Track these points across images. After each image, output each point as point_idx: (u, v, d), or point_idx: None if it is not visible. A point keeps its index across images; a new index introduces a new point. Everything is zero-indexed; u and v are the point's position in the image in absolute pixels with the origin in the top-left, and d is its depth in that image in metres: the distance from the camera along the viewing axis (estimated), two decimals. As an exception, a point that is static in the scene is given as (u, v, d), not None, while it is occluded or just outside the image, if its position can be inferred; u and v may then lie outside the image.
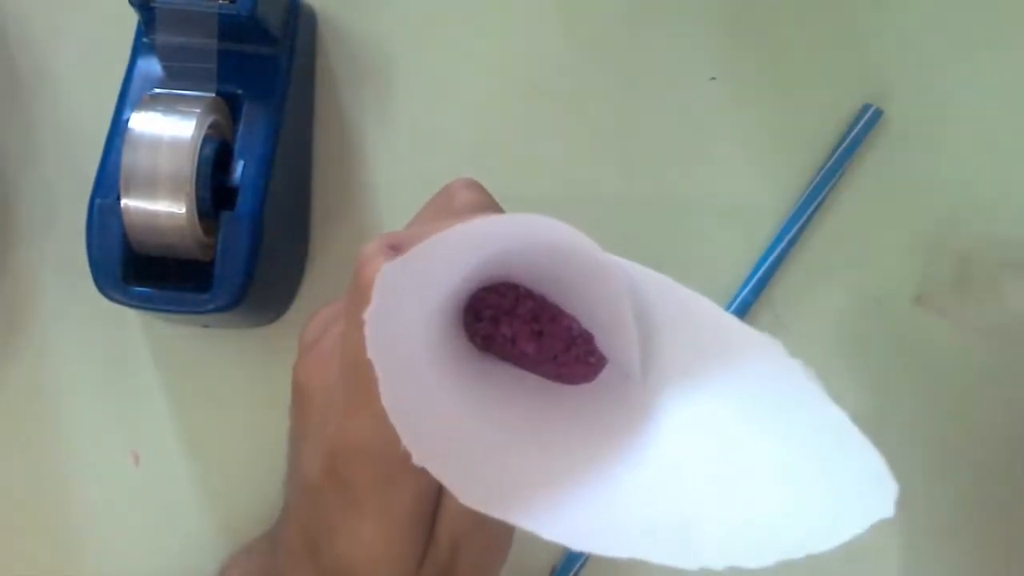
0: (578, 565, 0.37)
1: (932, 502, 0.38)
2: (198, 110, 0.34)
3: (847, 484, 0.18)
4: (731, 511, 0.19)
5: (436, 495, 0.27)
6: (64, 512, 0.39)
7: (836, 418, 0.18)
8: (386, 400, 0.18)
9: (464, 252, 0.20)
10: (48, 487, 0.39)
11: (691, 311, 0.20)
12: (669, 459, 0.20)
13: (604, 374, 0.23)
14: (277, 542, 0.32)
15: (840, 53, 0.41)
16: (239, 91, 0.37)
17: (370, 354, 0.17)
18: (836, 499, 0.18)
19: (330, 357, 0.26)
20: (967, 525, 0.38)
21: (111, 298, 0.35)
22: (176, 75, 0.36)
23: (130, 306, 0.35)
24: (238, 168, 0.35)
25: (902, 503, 0.17)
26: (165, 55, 0.36)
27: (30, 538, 0.39)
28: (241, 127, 0.36)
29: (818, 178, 0.39)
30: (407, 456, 0.18)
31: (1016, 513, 0.38)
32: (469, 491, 0.19)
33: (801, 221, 0.39)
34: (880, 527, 0.17)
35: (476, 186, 0.28)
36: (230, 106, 0.37)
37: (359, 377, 0.24)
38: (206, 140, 0.34)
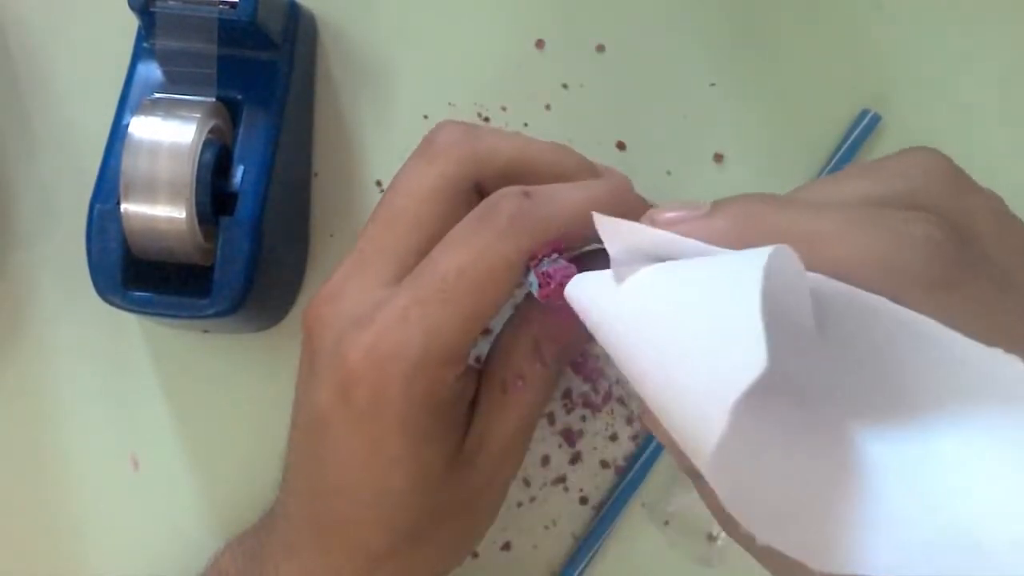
0: (580, 567, 0.37)
1: None
2: (198, 115, 0.34)
3: None
4: (1004, 519, 0.18)
5: (459, 408, 0.28)
6: (63, 516, 0.39)
7: None
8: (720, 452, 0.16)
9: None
10: (47, 491, 0.39)
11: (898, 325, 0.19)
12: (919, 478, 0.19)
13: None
14: (275, 514, 0.32)
15: (839, 58, 0.41)
16: (239, 96, 0.37)
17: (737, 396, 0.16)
18: None
19: (341, 296, 0.28)
20: None
21: (111, 303, 0.35)
22: (176, 80, 0.36)
23: (130, 311, 0.35)
24: (238, 173, 0.35)
25: None
26: (165, 60, 0.36)
27: (29, 541, 0.39)
28: (241, 132, 0.36)
29: (817, 183, 0.39)
30: None
31: None
32: (817, 554, 0.18)
33: (800, 226, 0.39)
34: None
35: (453, 126, 0.30)
36: (230, 111, 0.37)
37: (445, 287, 0.26)
38: (206, 145, 0.34)
